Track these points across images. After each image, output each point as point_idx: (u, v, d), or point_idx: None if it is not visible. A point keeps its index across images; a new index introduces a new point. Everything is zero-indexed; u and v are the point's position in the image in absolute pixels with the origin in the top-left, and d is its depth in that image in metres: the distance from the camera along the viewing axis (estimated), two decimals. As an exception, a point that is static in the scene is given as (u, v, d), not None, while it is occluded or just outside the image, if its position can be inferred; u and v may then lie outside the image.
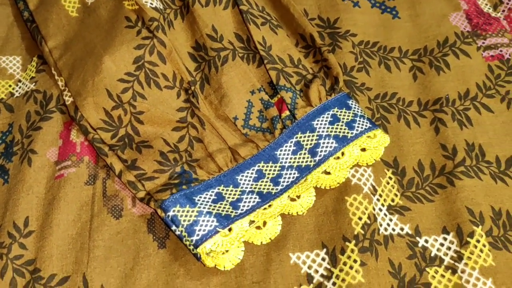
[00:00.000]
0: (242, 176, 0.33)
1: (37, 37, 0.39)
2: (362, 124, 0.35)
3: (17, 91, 0.38)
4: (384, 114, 0.39)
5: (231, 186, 0.32)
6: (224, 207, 0.31)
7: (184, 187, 0.32)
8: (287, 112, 0.35)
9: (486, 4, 0.45)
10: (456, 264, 0.32)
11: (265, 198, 0.32)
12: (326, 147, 0.34)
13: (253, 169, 0.33)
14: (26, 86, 0.38)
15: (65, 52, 0.37)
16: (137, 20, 0.36)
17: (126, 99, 0.34)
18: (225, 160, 0.33)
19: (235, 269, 0.31)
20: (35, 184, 0.34)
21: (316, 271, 0.31)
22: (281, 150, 0.34)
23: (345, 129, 0.34)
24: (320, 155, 0.33)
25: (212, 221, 0.30)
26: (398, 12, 0.44)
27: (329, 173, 0.34)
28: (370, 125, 0.35)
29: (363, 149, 0.35)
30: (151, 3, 0.36)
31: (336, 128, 0.34)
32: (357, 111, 0.35)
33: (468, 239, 0.33)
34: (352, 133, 0.34)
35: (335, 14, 0.43)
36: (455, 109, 0.39)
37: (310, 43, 0.39)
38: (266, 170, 0.33)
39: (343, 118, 0.35)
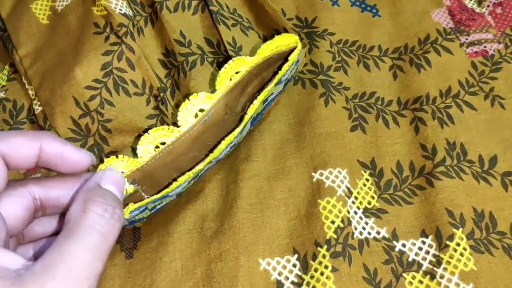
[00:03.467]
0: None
1: (8, 45, 0.38)
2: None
3: (-13, 100, 0.38)
4: (362, 114, 0.37)
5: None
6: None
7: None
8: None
9: (471, 0, 0.43)
10: (435, 269, 0.31)
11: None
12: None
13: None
14: (-4, 95, 0.38)
15: (36, 61, 0.37)
16: (105, 26, 0.36)
17: (94, 106, 0.34)
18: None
19: (203, 277, 0.30)
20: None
21: (287, 278, 0.30)
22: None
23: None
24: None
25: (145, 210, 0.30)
26: (378, 10, 0.43)
27: None
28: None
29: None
30: (120, 9, 0.36)
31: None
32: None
33: (448, 242, 0.31)
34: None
35: (313, 13, 0.42)
36: (436, 107, 0.37)
37: None
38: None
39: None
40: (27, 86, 0.37)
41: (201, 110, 0.32)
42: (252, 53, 0.36)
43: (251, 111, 0.32)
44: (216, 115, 0.33)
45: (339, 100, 0.38)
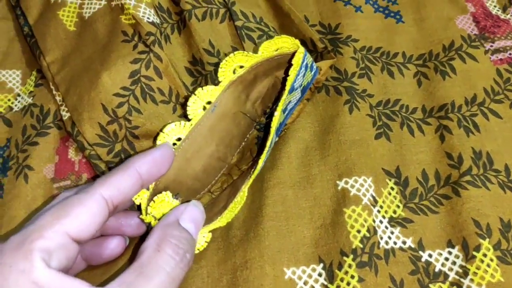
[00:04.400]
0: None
1: (36, 51, 0.39)
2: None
3: (16, 105, 0.39)
4: (387, 121, 0.37)
5: None
6: None
7: None
8: None
9: (495, 6, 0.43)
10: (462, 280, 0.31)
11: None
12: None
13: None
14: (25, 100, 0.39)
15: (63, 67, 0.37)
16: (133, 35, 0.36)
17: (122, 113, 0.34)
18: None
19: (229, 285, 0.30)
20: (32, 202, 0.34)
21: (312, 287, 0.30)
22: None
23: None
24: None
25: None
26: (402, 17, 0.43)
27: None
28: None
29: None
30: (148, 18, 0.36)
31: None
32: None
33: (474, 253, 0.31)
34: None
35: (337, 19, 0.42)
36: (462, 115, 0.37)
37: (311, 47, 0.38)
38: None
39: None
40: (54, 92, 0.37)
41: (209, 103, 0.33)
42: (255, 52, 0.36)
43: (274, 123, 0.32)
44: (223, 105, 0.33)
45: (364, 107, 0.38)
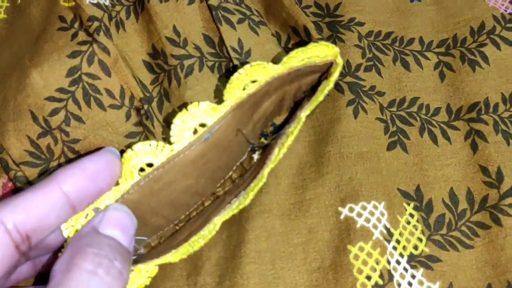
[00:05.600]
0: None
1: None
2: None
3: None
4: (402, 127, 0.30)
5: None
6: None
7: None
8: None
9: (534, -23, 0.35)
10: None
11: None
12: None
13: None
14: None
15: (-12, 64, 0.30)
16: (73, 21, 0.29)
17: (57, 123, 0.27)
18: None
19: None
20: None
21: None
22: None
23: None
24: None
25: None
26: (417, -7, 0.35)
27: None
28: None
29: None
30: (92, -2, 0.28)
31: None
32: None
33: (525, 304, 0.23)
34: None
35: (336, -2, 0.34)
36: (499, 117, 0.30)
37: (305, 37, 0.31)
38: None
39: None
40: None
41: (202, 125, 0.24)
42: (276, 60, 0.29)
43: (287, 142, 0.25)
44: (222, 132, 0.25)
45: (372, 109, 0.30)
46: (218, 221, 0.24)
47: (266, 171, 0.24)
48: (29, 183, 0.27)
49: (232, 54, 0.29)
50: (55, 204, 0.20)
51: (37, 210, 0.20)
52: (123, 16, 0.30)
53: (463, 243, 0.26)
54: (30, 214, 0.20)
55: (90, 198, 0.22)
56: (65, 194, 0.21)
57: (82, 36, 0.28)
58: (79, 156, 0.27)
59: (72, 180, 0.21)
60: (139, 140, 0.28)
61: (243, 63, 0.29)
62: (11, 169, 0.27)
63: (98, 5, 0.29)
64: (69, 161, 0.27)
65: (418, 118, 0.30)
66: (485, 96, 0.30)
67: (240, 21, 0.30)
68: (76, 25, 0.28)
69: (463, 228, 0.27)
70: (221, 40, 0.30)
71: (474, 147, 0.29)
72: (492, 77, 0.31)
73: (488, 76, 0.31)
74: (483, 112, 0.30)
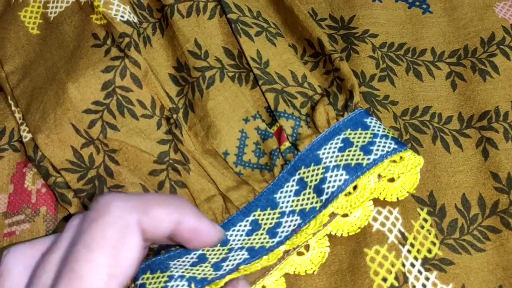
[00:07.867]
0: (234, 231, 0.26)
1: (-6, 60, 0.33)
2: (384, 146, 0.27)
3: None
4: (415, 134, 0.31)
5: (218, 245, 0.25)
6: (204, 270, 0.24)
7: (162, 251, 0.25)
8: (288, 144, 0.28)
9: (543, -12, 0.36)
10: None
11: (255, 253, 0.25)
12: (334, 181, 0.26)
13: (247, 220, 0.26)
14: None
15: (24, 78, 0.32)
16: (105, 37, 0.30)
17: (95, 134, 0.28)
18: (215, 213, 0.27)
19: None
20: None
21: None
22: (281, 192, 0.27)
23: (359, 155, 0.26)
24: (327, 193, 0.26)
25: (182, 286, 0.23)
26: (429, 6, 0.36)
27: (346, 215, 0.26)
28: (395, 146, 0.27)
29: (391, 180, 0.27)
30: (122, 16, 0.30)
31: (348, 155, 0.27)
32: (377, 131, 0.27)
33: (535, 305, 0.24)
34: (369, 159, 0.26)
35: (351, 11, 0.35)
36: (509, 125, 0.30)
37: (318, 49, 0.32)
38: (262, 219, 0.26)
39: (358, 142, 0.27)
40: (13, 108, 0.31)
41: None
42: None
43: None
44: None
45: (386, 118, 0.31)
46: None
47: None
48: (68, 187, 0.28)
49: (252, 63, 0.30)
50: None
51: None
52: (149, 32, 0.31)
53: (475, 247, 0.27)
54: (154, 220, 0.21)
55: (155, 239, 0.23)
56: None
57: (114, 51, 0.29)
58: (117, 165, 0.29)
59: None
60: (170, 147, 0.29)
61: (263, 72, 0.30)
62: (51, 175, 0.28)
63: (128, 22, 0.30)
64: (107, 168, 0.28)
65: (430, 127, 0.31)
66: (496, 105, 0.31)
67: (258, 34, 0.31)
68: (109, 41, 0.30)
69: (475, 232, 0.27)
70: (240, 52, 0.31)
71: (485, 154, 0.30)
72: (502, 86, 0.32)
73: (498, 86, 0.32)
74: (493, 120, 0.31)
